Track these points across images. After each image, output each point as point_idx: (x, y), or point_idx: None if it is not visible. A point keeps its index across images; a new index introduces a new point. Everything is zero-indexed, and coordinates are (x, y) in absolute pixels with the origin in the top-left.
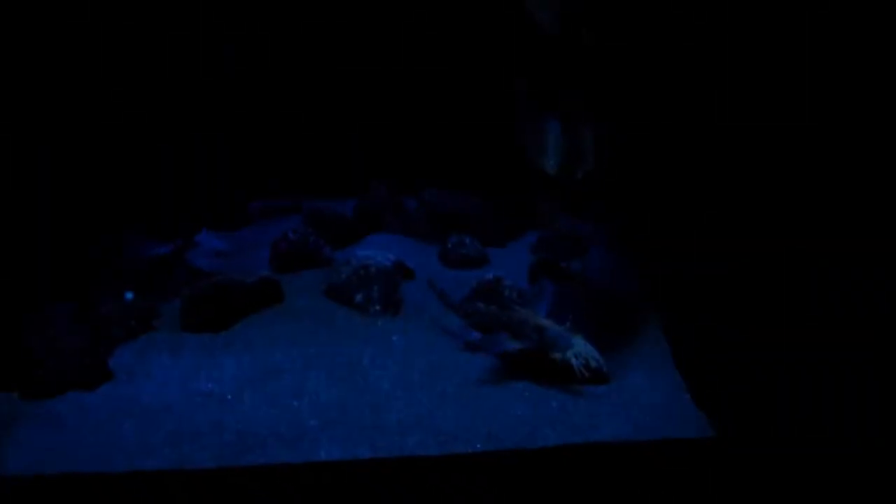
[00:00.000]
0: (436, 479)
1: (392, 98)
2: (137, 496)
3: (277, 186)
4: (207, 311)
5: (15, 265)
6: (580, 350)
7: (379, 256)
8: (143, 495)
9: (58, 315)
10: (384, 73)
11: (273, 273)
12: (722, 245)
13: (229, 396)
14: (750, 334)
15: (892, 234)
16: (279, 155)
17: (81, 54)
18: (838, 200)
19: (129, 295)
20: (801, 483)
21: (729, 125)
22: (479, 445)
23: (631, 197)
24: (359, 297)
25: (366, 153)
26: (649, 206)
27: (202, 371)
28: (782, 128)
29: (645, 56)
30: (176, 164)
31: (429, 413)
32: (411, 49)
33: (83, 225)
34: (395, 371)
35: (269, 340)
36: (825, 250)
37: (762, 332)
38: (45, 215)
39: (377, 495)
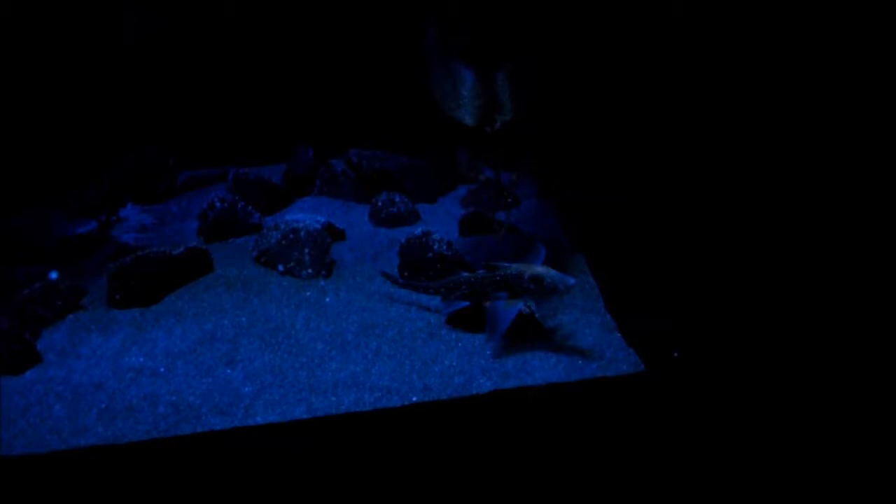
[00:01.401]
0: (372, 435)
1: (309, 60)
2: (71, 474)
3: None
4: (135, 286)
5: None
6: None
7: (308, 220)
8: (77, 473)
9: None
10: (300, 37)
11: (202, 243)
12: (646, 186)
13: (162, 369)
14: (676, 271)
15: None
16: (204, 124)
17: None
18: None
19: (54, 275)
20: (724, 413)
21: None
22: (414, 398)
23: (553, 143)
24: (290, 262)
25: (290, 117)
26: (569, 152)
27: (133, 346)
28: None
29: None
30: (96, 137)
31: (364, 371)
32: (321, 6)
33: None
34: (329, 332)
35: (199, 311)
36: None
37: (688, 270)
38: None
39: (315, 455)
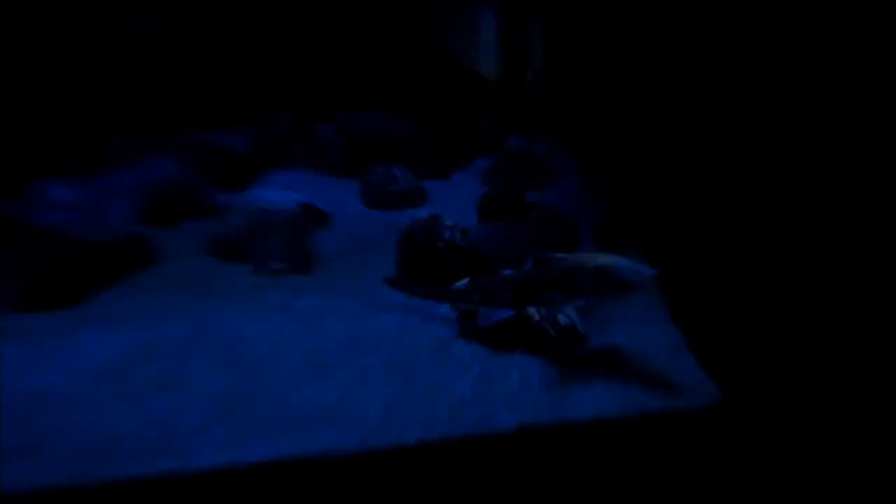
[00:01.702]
0: (358, 484)
1: (292, 6)
2: None
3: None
4: (50, 283)
5: None
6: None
7: (282, 199)
8: None
9: None
10: None
11: (143, 227)
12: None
13: (78, 394)
14: (769, 277)
15: None
16: (149, 76)
17: None
18: None
19: None
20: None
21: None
22: (414, 436)
23: (602, 104)
24: (256, 254)
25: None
26: (624, 114)
27: (41, 362)
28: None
29: None
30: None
31: (349, 398)
32: None
33: None
34: (305, 347)
35: (134, 316)
36: None
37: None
38: None
39: None
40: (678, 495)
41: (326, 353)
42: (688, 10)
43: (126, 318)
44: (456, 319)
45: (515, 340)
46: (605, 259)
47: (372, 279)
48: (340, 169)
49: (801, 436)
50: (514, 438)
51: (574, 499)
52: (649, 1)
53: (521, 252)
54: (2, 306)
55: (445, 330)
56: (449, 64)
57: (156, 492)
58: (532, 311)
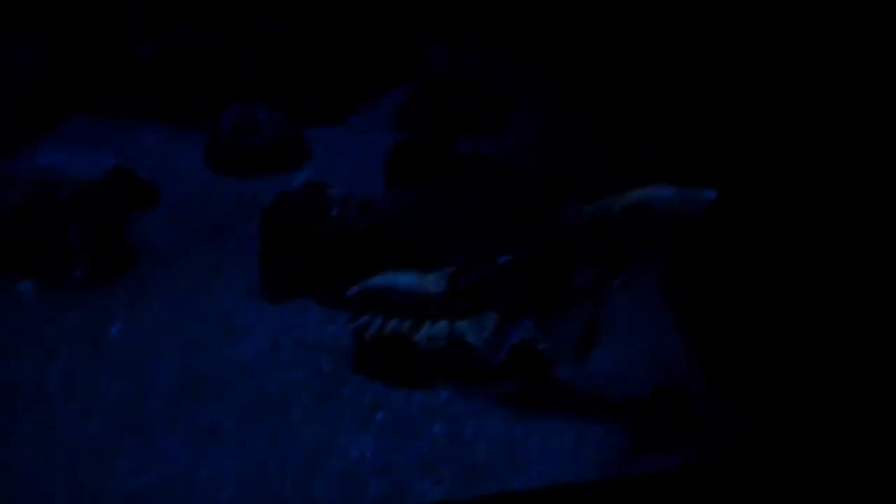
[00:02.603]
0: None
1: None
2: None
3: None
4: None
5: None
6: (484, 314)
7: (80, 162)
8: None
9: None
10: None
11: None
12: None
13: None
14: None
15: None
16: None
17: None
18: None
19: None
20: None
21: None
22: None
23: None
24: (39, 254)
25: None
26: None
27: None
28: None
29: None
30: None
31: (186, 472)
32: None
33: None
34: (117, 395)
35: None
36: None
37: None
38: None
39: None
40: None
41: (152, 402)
42: None
43: None
44: (352, 338)
45: (442, 370)
46: (637, 194)
47: (221, 286)
48: (170, 113)
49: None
50: None
51: None
52: None
53: (455, 228)
54: None
55: (333, 359)
56: None
57: None
58: (463, 326)
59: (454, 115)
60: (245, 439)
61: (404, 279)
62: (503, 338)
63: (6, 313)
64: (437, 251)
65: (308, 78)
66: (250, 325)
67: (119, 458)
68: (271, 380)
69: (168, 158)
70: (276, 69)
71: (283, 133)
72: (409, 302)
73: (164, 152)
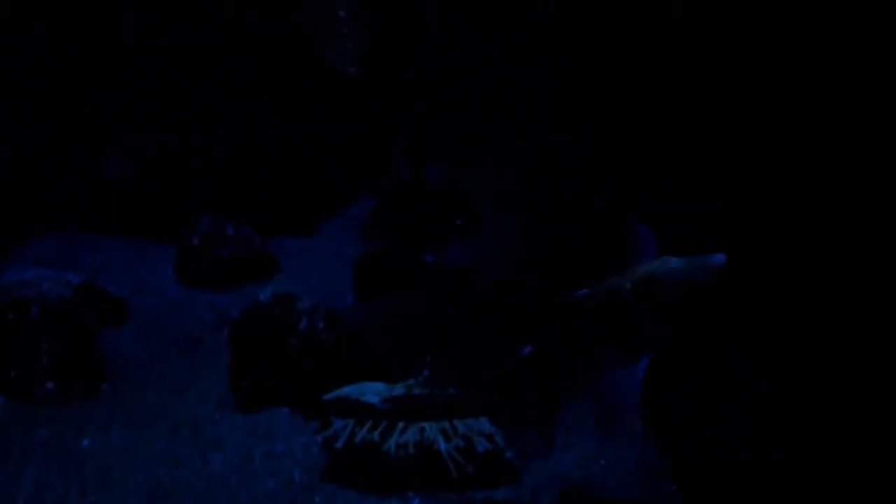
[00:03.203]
0: None
1: None
2: None
3: None
4: None
5: None
6: (453, 421)
7: (48, 279)
8: None
9: None
10: None
11: None
12: None
13: None
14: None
15: None
16: None
17: None
18: None
19: None
20: None
21: None
22: None
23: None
24: (12, 371)
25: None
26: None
27: None
28: None
29: None
30: None
31: None
32: None
33: None
34: None
35: None
36: None
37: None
38: None
39: None
40: None
41: None
42: None
43: None
44: (323, 449)
45: (412, 476)
46: (644, 268)
47: (193, 398)
48: (142, 223)
49: None
50: None
51: None
52: None
53: (420, 337)
54: None
55: (303, 471)
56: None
57: None
58: (434, 431)
59: (420, 227)
60: None
61: (373, 389)
62: (474, 445)
63: None
64: (407, 361)
65: (276, 189)
66: (222, 436)
67: None
68: (243, 491)
69: (138, 272)
70: (243, 181)
71: (252, 246)
72: (376, 412)
73: (132, 266)
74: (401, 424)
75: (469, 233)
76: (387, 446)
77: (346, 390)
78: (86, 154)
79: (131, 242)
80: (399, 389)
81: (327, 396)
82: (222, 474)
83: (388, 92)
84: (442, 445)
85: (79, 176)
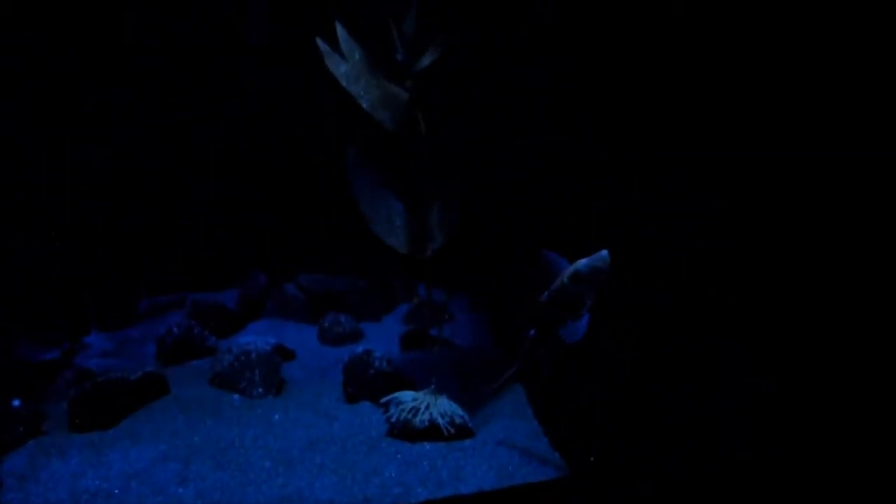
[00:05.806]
0: None
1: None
2: None
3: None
4: (93, 411)
5: None
6: (445, 409)
7: (259, 342)
8: None
9: None
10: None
11: (160, 367)
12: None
13: (116, 491)
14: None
15: None
16: (164, 252)
17: None
18: None
19: (17, 402)
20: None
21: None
22: None
23: (480, 264)
24: (241, 383)
25: (243, 246)
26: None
27: (89, 469)
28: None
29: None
30: (62, 267)
31: (308, 486)
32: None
33: None
34: (277, 449)
35: (154, 433)
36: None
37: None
38: None
39: None
40: None
41: (293, 452)
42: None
43: (148, 435)
44: (385, 422)
45: (426, 435)
46: (568, 270)
47: (325, 398)
48: (302, 317)
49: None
50: None
51: None
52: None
53: (430, 371)
54: (61, 428)
55: (377, 432)
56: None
57: None
58: (436, 415)
59: (430, 319)
60: (336, 469)
61: (408, 395)
62: (454, 420)
63: (228, 410)
64: (424, 382)
65: (365, 304)
66: (338, 415)
67: (277, 478)
68: (349, 440)
69: (299, 339)
70: (350, 300)
71: (353, 326)
72: (409, 406)
73: (298, 335)
74: (421, 410)
75: (450, 322)
76: (414, 421)
77: (395, 394)
78: (278, 286)
79: (299, 326)
80: (420, 395)
81: (386, 398)
82: (339, 432)
83: None
84: (440, 420)
85: (274, 294)
